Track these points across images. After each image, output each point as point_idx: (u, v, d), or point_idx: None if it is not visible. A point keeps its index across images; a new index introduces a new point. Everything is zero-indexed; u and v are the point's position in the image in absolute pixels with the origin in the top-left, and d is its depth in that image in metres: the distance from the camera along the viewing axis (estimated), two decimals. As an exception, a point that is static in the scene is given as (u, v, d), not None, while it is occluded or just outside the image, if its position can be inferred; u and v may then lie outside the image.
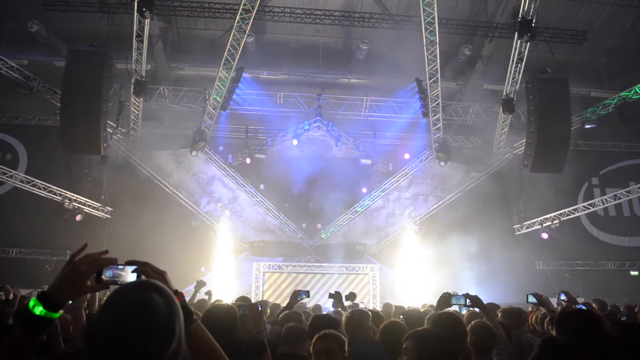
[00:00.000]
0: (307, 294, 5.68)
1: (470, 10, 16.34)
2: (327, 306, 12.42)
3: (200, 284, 7.09)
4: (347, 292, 7.38)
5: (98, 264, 1.51)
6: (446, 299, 4.13)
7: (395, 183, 17.89)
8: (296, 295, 5.40)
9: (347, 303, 7.00)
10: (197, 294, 7.05)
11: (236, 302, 5.28)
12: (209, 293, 7.23)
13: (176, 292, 1.53)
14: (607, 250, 17.72)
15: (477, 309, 4.26)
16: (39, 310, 1.42)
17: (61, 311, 1.46)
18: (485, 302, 5.06)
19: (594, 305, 6.59)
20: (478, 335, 3.30)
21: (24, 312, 1.44)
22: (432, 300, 10.49)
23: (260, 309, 3.78)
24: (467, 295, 4.05)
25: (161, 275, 1.57)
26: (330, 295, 6.29)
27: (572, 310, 2.92)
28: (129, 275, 1.54)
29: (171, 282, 1.58)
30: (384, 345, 3.36)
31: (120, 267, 1.54)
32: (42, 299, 1.43)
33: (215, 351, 1.65)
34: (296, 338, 3.62)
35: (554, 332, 3.62)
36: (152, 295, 1.35)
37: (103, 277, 1.51)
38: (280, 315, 5.08)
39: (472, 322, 3.61)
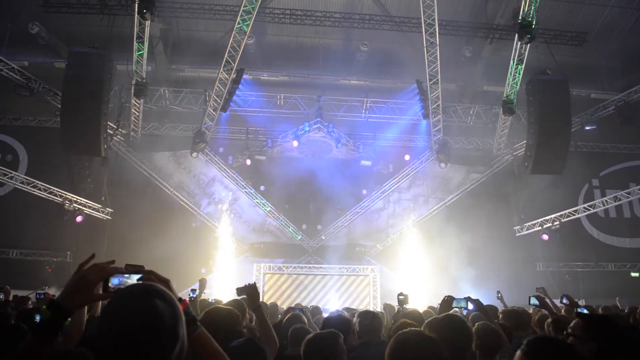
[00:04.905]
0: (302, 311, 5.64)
1: (471, 11, 16.34)
2: (327, 307, 12.45)
3: (203, 283, 7.03)
4: (347, 294, 7.36)
5: (105, 272, 1.56)
6: (449, 302, 4.12)
7: (395, 184, 17.89)
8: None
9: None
10: (202, 294, 6.99)
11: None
12: (202, 283, 7.06)
13: (180, 300, 1.57)
14: (608, 251, 17.71)
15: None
16: (48, 317, 1.46)
17: (70, 318, 1.50)
18: (485, 304, 5.05)
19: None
20: (485, 338, 3.29)
21: (29, 319, 1.48)
22: (432, 301, 10.50)
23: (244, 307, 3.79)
24: (468, 299, 4.05)
25: (165, 282, 1.61)
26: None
27: (600, 317, 2.88)
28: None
29: (175, 290, 1.61)
30: None
31: (126, 275, 1.60)
32: (52, 306, 1.48)
33: (219, 356, 1.69)
34: (302, 339, 3.62)
35: (554, 334, 3.60)
36: (156, 302, 1.40)
37: (110, 285, 1.57)
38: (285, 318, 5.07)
39: (477, 324, 3.61)
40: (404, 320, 3.90)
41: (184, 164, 17.25)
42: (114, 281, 1.57)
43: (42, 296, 7.51)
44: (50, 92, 14.64)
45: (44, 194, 14.39)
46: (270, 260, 16.84)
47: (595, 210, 16.31)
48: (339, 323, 3.81)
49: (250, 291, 3.66)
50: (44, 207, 14.67)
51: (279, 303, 11.79)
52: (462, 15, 15.98)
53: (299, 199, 17.43)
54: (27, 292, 10.02)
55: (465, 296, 4.11)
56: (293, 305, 9.85)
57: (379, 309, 12.44)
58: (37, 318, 1.48)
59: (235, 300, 4.28)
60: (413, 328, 2.54)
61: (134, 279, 1.59)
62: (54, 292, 12.41)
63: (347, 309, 7.98)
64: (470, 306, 4.13)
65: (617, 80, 17.27)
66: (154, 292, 1.45)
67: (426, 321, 2.89)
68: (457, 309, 4.49)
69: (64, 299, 1.50)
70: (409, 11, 15.34)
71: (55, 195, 14.51)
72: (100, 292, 1.56)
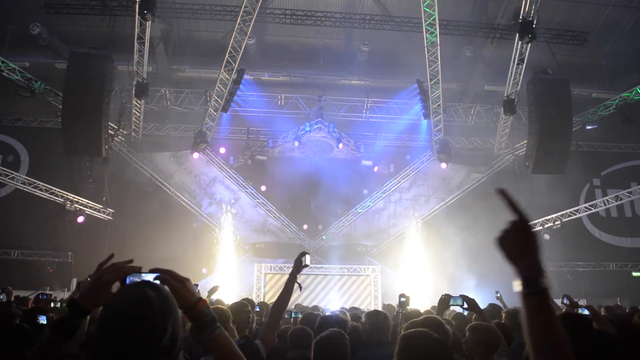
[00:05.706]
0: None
1: (471, 11, 16.34)
2: (328, 307, 12.42)
3: (213, 289, 7.11)
4: (349, 294, 7.36)
5: (122, 272, 1.57)
6: (446, 300, 4.12)
7: (396, 184, 17.88)
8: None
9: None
10: (211, 297, 7.05)
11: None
12: (213, 289, 7.18)
13: (200, 300, 1.58)
14: (609, 251, 17.68)
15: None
16: (66, 316, 1.51)
17: (88, 317, 1.55)
18: (486, 304, 5.04)
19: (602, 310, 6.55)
20: (482, 336, 3.29)
21: (32, 320, 1.51)
22: (434, 301, 10.47)
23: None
24: (464, 297, 4.05)
25: (183, 282, 1.59)
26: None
27: (564, 314, 2.90)
28: None
29: (194, 289, 1.60)
30: None
31: (143, 274, 1.59)
32: (70, 305, 1.52)
33: (237, 357, 1.67)
34: (303, 341, 3.62)
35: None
36: (147, 292, 1.42)
37: (126, 285, 1.57)
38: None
39: (474, 323, 3.60)
40: (413, 321, 3.91)
41: (185, 164, 17.26)
42: (130, 280, 1.58)
43: (44, 297, 7.51)
44: (51, 92, 14.65)
45: (45, 195, 14.40)
46: (272, 260, 16.83)
47: (596, 209, 16.30)
48: (337, 323, 3.81)
49: (297, 262, 3.70)
50: (45, 207, 14.68)
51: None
52: (463, 15, 15.96)
53: (300, 199, 17.41)
54: (28, 293, 10.01)
55: (461, 294, 4.11)
56: (293, 306, 9.84)
57: (379, 309, 12.42)
58: (41, 319, 1.51)
59: (236, 303, 4.29)
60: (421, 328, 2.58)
61: (150, 278, 1.58)
62: (55, 292, 12.42)
63: (353, 309, 7.96)
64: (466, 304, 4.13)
65: (618, 79, 17.25)
66: (148, 284, 1.47)
67: (406, 323, 2.90)
68: (454, 307, 4.48)
69: (82, 298, 1.53)
70: (410, 11, 15.32)
71: (57, 195, 14.52)
72: None
